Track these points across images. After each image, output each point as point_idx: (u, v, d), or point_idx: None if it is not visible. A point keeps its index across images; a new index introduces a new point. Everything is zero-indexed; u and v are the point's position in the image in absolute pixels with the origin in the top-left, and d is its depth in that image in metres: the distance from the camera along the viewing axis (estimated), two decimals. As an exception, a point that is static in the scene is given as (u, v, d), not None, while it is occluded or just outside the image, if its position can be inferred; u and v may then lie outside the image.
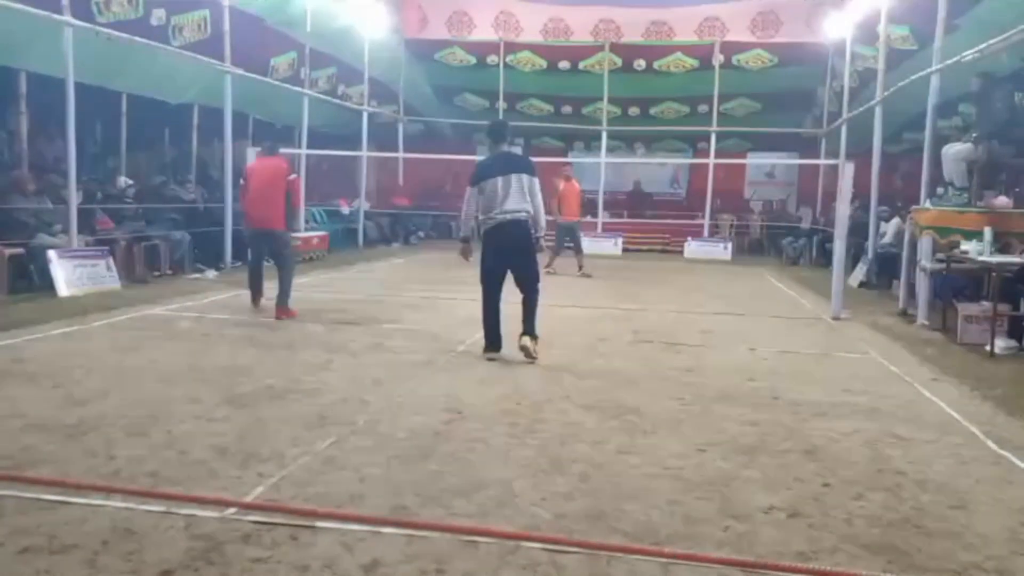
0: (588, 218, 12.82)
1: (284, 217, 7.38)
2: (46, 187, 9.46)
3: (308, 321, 7.11)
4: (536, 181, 5.78)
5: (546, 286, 10.54)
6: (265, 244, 7.66)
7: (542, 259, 6.57)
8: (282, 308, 7.25)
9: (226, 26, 11.24)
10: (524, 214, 5.71)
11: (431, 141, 19.72)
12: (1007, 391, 5.22)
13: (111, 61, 10.21)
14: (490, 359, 5.71)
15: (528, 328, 5.77)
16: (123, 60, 10.41)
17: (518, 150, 20.51)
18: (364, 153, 16.38)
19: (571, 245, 12.16)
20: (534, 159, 6.52)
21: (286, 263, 7.45)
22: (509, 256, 5.77)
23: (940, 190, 8.35)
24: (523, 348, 5.65)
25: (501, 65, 17.81)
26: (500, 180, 5.68)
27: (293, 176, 7.67)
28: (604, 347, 6.44)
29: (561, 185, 12.02)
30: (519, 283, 5.84)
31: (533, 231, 5.85)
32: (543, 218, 5.89)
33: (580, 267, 11.83)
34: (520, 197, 5.68)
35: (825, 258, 13.20)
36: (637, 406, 4.59)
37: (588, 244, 13.52)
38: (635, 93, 18.33)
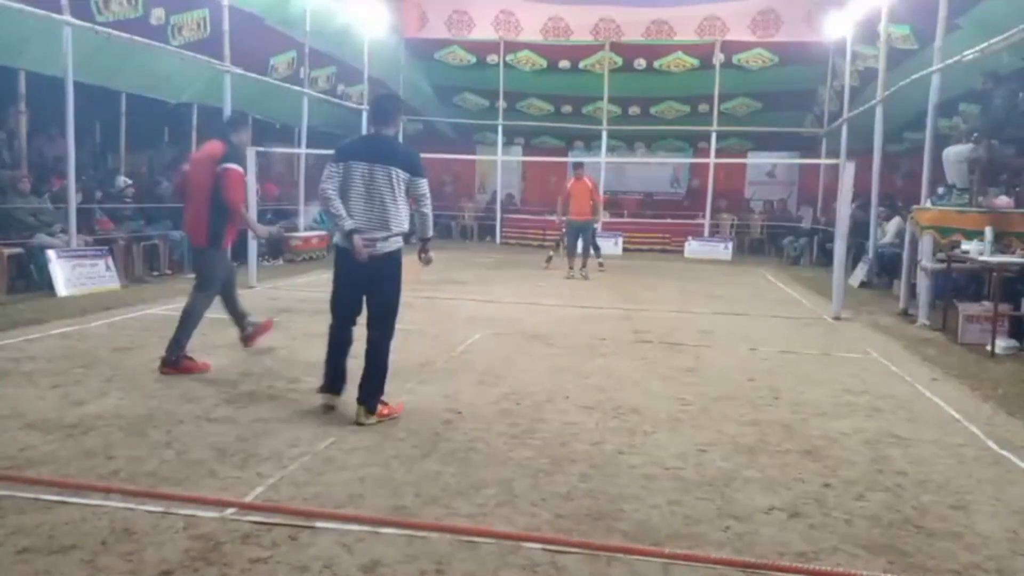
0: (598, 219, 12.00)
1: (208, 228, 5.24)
2: (45, 187, 9.46)
3: (307, 321, 7.10)
4: (422, 182, 4.20)
5: (546, 286, 10.66)
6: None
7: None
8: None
9: (225, 25, 11.22)
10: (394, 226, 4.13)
11: (431, 141, 19.72)
12: (1008, 391, 5.22)
13: (110, 60, 10.21)
14: (326, 405, 4.25)
15: (365, 392, 4.10)
16: (122, 59, 10.41)
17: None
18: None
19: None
20: (534, 158, 6.02)
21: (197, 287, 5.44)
22: (363, 279, 4.17)
23: (941, 189, 8.34)
24: (360, 425, 4.03)
25: (501, 64, 17.79)
26: (362, 167, 4.09)
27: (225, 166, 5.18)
28: (604, 347, 6.43)
29: (569, 183, 11.68)
30: (368, 314, 4.24)
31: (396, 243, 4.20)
32: (430, 227, 4.41)
33: (583, 265, 11.61)
34: (391, 199, 4.09)
35: (826, 258, 13.19)
36: (637, 406, 4.59)
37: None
38: (635, 92, 18.30)
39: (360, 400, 4.11)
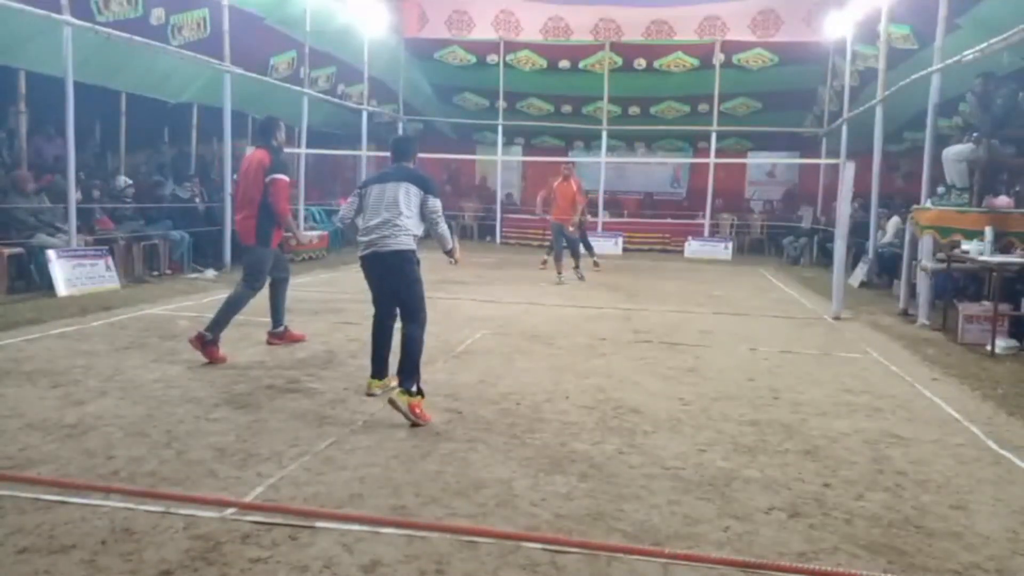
0: (574, 223, 11.21)
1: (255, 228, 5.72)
2: (45, 186, 9.45)
3: (306, 321, 7.10)
4: (434, 201, 4.56)
5: (546, 286, 10.66)
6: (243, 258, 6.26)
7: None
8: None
9: (225, 25, 11.22)
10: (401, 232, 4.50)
11: (431, 140, 19.71)
12: (1008, 391, 5.22)
13: (110, 60, 10.21)
14: (368, 393, 4.66)
15: (401, 375, 4.31)
16: (122, 59, 10.40)
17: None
18: (364, 152, 16.37)
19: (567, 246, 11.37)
20: (534, 158, 6.10)
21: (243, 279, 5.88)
22: (384, 280, 4.59)
23: (940, 189, 8.33)
24: (391, 403, 4.15)
25: (501, 64, 17.78)
26: (377, 188, 4.57)
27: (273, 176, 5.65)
28: (604, 347, 6.43)
29: (556, 183, 11.28)
30: (400, 310, 4.64)
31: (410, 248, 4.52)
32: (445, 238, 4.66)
33: (576, 266, 11.35)
34: (394, 209, 4.47)
35: (826, 258, 13.19)
36: (637, 406, 4.59)
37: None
38: (635, 92, 18.29)
39: (399, 383, 4.29)
